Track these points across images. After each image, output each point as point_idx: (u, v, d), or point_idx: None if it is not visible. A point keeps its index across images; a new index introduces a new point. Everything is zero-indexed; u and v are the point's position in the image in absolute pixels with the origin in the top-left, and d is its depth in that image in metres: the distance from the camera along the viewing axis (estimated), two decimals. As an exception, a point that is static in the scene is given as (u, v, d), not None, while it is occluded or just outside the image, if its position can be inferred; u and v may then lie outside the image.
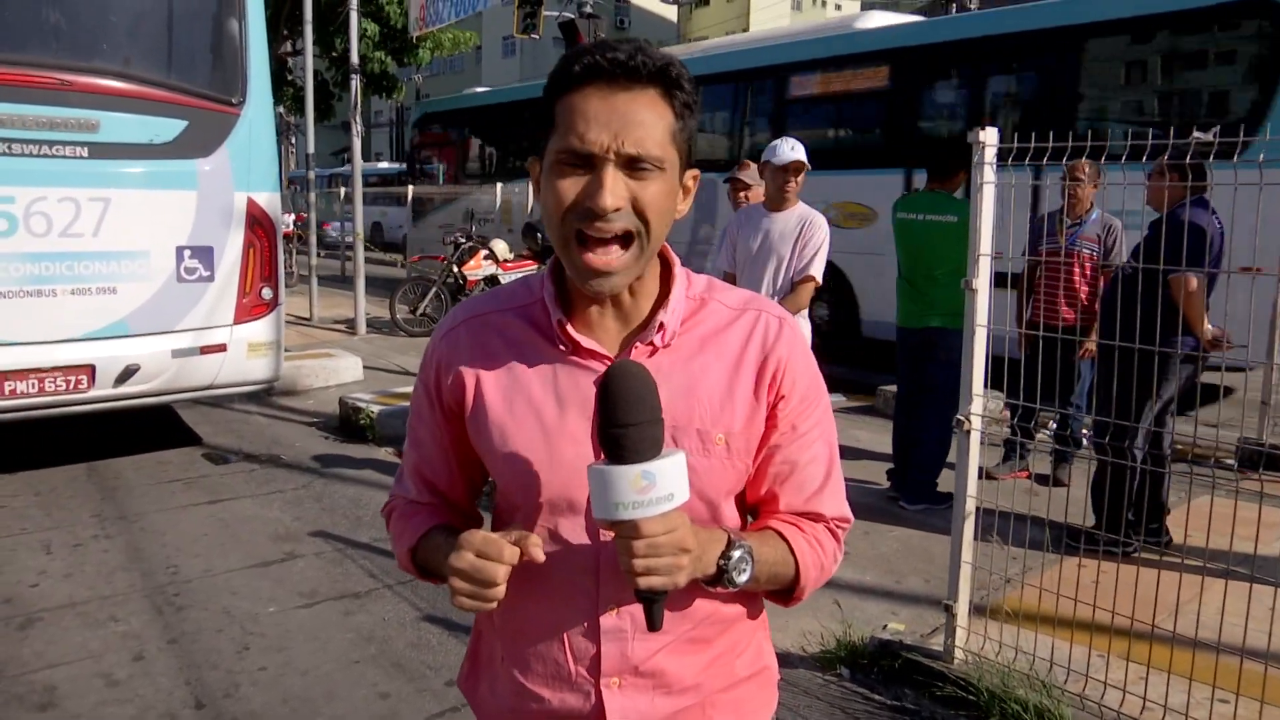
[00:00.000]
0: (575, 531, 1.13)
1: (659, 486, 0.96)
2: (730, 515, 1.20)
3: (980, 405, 3.09)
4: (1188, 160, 3.01)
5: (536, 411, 1.14)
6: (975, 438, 3.11)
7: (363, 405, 6.48)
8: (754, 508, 1.24)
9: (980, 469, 3.31)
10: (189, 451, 6.04)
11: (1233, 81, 7.21)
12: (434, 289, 11.15)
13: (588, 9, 7.78)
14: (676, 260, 1.20)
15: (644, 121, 1.04)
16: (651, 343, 1.14)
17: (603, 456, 1.00)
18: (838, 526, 1.24)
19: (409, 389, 7.16)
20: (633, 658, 1.15)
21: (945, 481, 4.86)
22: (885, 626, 3.55)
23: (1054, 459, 5.37)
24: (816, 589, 1.24)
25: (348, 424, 6.57)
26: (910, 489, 5.00)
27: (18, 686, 3.12)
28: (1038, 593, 3.30)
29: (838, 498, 1.24)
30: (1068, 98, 7.82)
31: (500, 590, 1.03)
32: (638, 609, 1.06)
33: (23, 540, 4.42)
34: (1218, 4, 7.02)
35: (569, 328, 1.13)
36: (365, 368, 8.49)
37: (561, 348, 1.14)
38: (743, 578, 1.09)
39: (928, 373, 4.93)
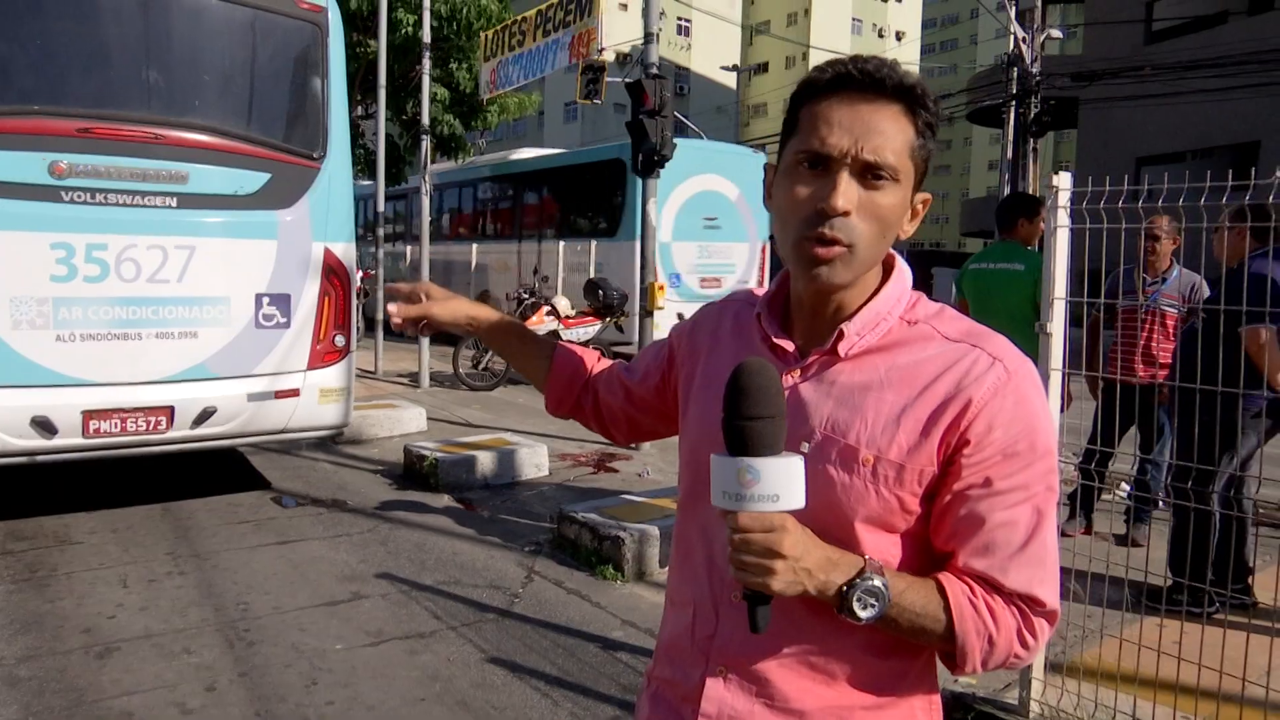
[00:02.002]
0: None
1: (763, 484, 0.98)
2: (874, 547, 1.09)
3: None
4: (1269, 206, 2.98)
5: (718, 391, 1.11)
6: (1051, 485, 3.04)
7: (427, 453, 6.57)
8: (941, 561, 1.12)
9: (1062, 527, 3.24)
10: (259, 495, 6.16)
11: (610, 197, 13.47)
12: (497, 344, 11.28)
13: (653, 70, 7.96)
14: (897, 278, 1.17)
15: (885, 131, 1.06)
16: (833, 350, 1.13)
17: (725, 448, 1.03)
18: (1027, 606, 1.08)
19: (472, 439, 7.27)
20: (744, 654, 1.15)
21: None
22: (956, 681, 3.45)
23: (1130, 518, 5.22)
24: (995, 666, 1.10)
25: (412, 471, 6.65)
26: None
27: (97, 711, 3.19)
28: (1117, 649, 3.20)
29: (1029, 573, 1.07)
30: (556, 204, 15.14)
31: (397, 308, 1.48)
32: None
33: (101, 574, 4.53)
34: (591, 161, 14.29)
35: (763, 319, 1.20)
36: (429, 419, 8.61)
37: (761, 340, 1.20)
38: (866, 612, 1.03)
39: None
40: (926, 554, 1.12)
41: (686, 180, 12.54)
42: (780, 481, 0.98)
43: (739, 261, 13.26)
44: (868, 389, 1.10)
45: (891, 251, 1.16)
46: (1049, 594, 1.08)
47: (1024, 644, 1.08)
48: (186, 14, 5.38)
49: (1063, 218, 2.92)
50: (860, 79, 1.06)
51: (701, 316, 1.34)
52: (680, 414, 1.32)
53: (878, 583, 1.03)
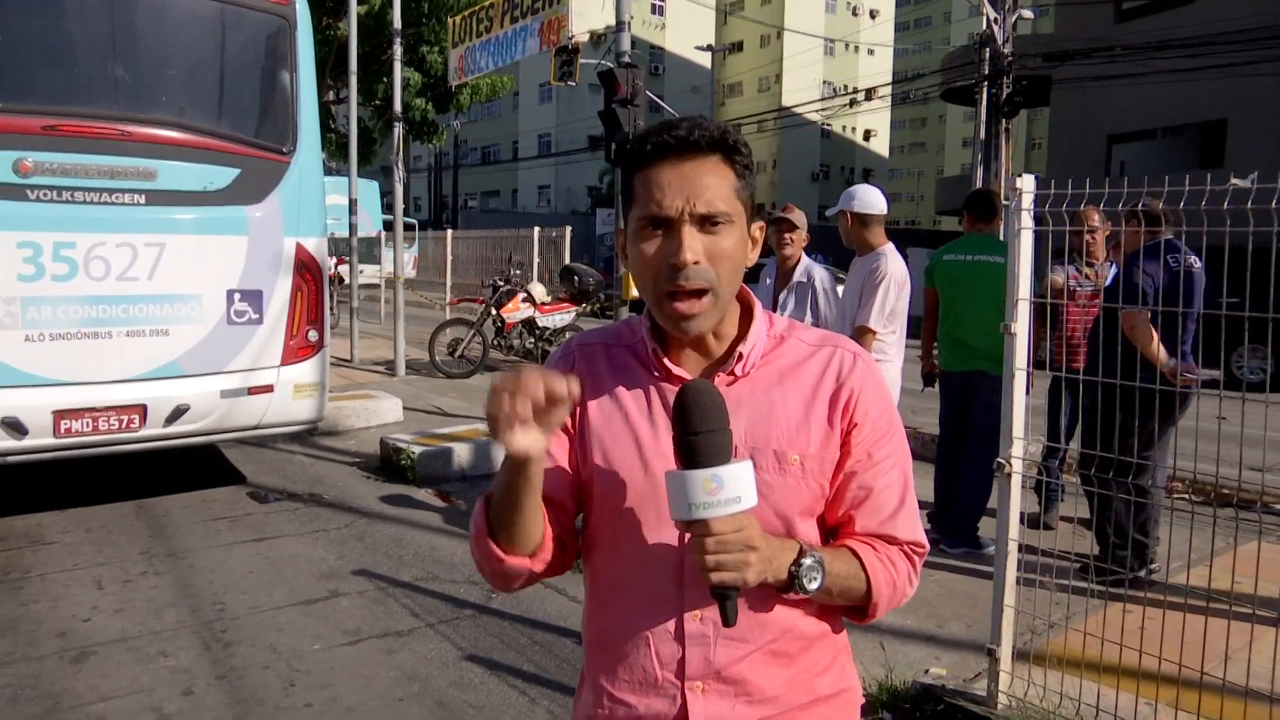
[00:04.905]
0: (661, 541, 1.24)
1: (727, 489, 1.09)
2: (807, 533, 1.27)
3: (1021, 448, 3.09)
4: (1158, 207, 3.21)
5: (633, 430, 1.28)
6: (1016, 481, 3.11)
7: (403, 446, 6.58)
8: (833, 530, 1.32)
9: (1024, 515, 3.31)
10: (234, 490, 6.15)
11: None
12: (473, 331, 11.30)
13: (625, 58, 7.94)
14: (757, 303, 1.33)
15: (710, 184, 1.20)
16: (732, 373, 1.27)
17: (679, 464, 1.12)
18: (913, 550, 1.32)
19: (449, 430, 7.27)
20: (716, 663, 1.24)
21: (987, 527, 4.83)
22: (927, 671, 3.53)
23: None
24: (892, 607, 1.30)
25: (389, 464, 6.66)
26: (951, 532, 4.97)
27: (73, 718, 3.19)
28: (1082, 638, 3.28)
29: (911, 523, 1.31)
30: None
31: (523, 402, 1.06)
32: (718, 614, 1.16)
33: (75, 575, 4.52)
34: None
35: (664, 358, 1.28)
36: (405, 409, 8.61)
37: (656, 374, 1.29)
38: (813, 584, 1.18)
39: (970, 416, 4.94)
40: (822, 528, 1.31)
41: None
42: (740, 484, 1.10)
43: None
44: (770, 398, 1.27)
45: (741, 285, 1.30)
46: (924, 536, 1.33)
47: (910, 582, 1.31)
48: (153, 9, 5.31)
49: (1026, 220, 2.96)
50: (676, 144, 1.20)
51: (563, 369, 1.31)
52: (582, 467, 1.30)
53: (816, 557, 1.19)
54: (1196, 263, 4.35)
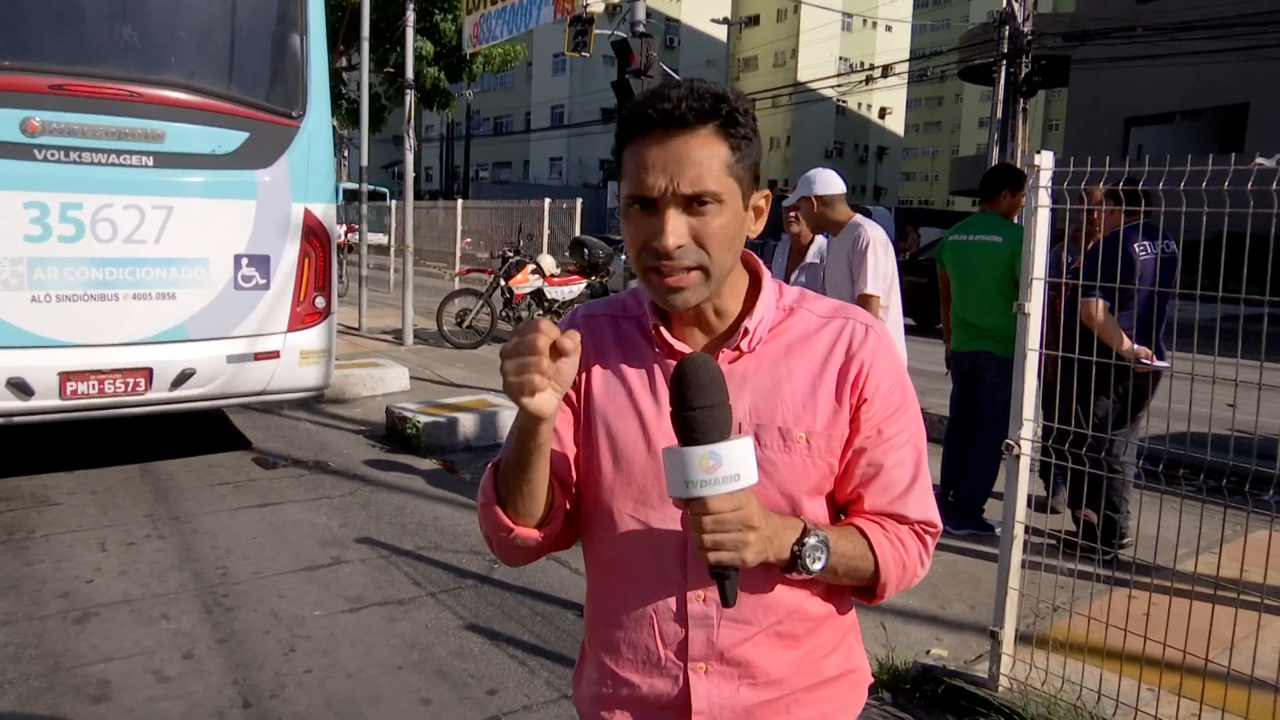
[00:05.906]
0: (665, 520, 1.21)
1: (725, 466, 1.04)
2: (814, 513, 1.22)
3: (1030, 430, 3.06)
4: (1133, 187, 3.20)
5: (636, 405, 1.24)
6: (1025, 463, 3.07)
7: (409, 415, 6.57)
8: (843, 508, 1.28)
9: (1030, 497, 3.28)
10: (239, 455, 6.15)
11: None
12: (481, 302, 11.28)
13: (640, 28, 7.85)
14: (766, 273, 1.27)
15: (697, 161, 1.12)
16: (737, 348, 1.22)
17: (678, 441, 1.08)
18: (924, 530, 1.26)
19: (455, 400, 7.26)
20: (719, 644, 1.21)
21: (993, 509, 4.81)
22: (929, 652, 3.51)
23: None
24: (902, 588, 1.26)
25: (394, 433, 6.65)
26: (957, 513, 4.95)
27: (74, 678, 3.20)
28: (1086, 622, 3.25)
29: (924, 502, 1.26)
30: None
31: (542, 360, 1.04)
32: None
33: (79, 537, 4.53)
34: None
35: (664, 332, 1.23)
36: (412, 378, 8.60)
37: (658, 350, 1.24)
38: (817, 565, 1.14)
39: (979, 397, 4.91)
40: (832, 506, 1.28)
41: None
42: (739, 461, 1.05)
43: None
44: (776, 373, 1.22)
45: (747, 250, 1.24)
46: (937, 515, 1.28)
47: (921, 563, 1.27)
48: (161, -33, 5.25)
49: (1044, 197, 2.91)
50: (662, 119, 1.11)
51: None
52: (585, 442, 1.27)
53: (820, 536, 1.15)
54: (1170, 247, 4.32)
